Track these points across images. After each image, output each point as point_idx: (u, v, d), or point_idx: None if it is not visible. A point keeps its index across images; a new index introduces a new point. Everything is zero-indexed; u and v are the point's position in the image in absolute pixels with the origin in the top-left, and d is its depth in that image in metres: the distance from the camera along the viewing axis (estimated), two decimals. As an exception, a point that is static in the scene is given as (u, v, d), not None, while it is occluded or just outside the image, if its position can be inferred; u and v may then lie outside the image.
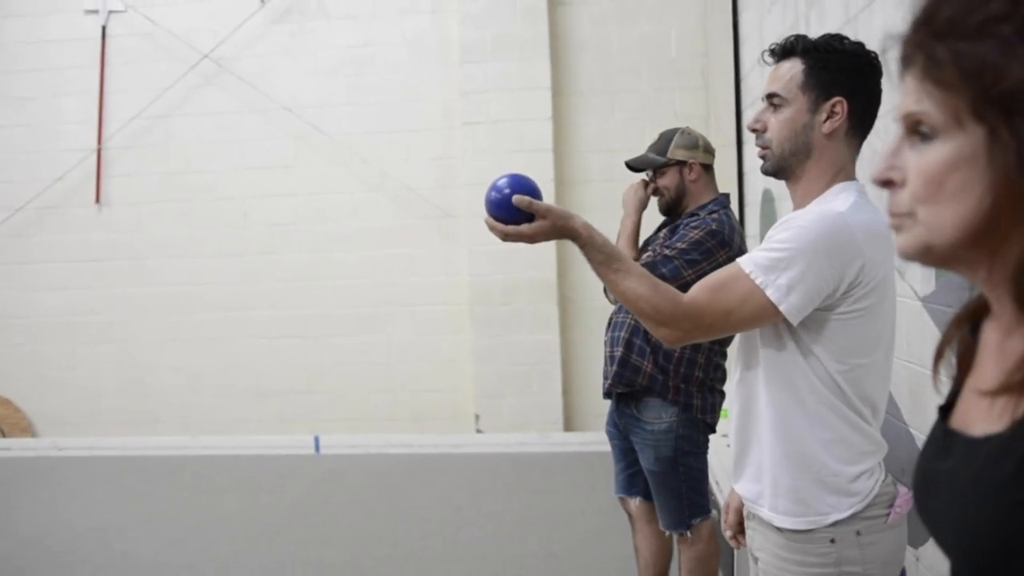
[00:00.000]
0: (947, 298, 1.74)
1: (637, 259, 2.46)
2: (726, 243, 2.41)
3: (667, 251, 2.40)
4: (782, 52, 1.51)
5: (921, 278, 1.89)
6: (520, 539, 3.82)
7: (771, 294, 1.36)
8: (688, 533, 2.52)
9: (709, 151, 2.63)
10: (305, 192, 5.64)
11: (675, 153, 2.57)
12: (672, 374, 2.48)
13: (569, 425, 5.48)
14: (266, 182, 5.65)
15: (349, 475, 5.03)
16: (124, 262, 5.80)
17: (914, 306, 1.92)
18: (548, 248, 5.31)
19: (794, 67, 1.48)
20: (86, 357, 5.84)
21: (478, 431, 5.48)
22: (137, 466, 5.31)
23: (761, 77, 3.94)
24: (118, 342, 5.83)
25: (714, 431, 2.58)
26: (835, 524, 1.41)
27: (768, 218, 3.87)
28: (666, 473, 2.48)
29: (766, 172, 1.52)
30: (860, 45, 1.48)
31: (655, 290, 1.42)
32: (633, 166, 2.64)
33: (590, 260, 1.46)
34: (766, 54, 1.53)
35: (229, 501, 4.59)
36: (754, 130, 1.52)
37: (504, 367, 5.36)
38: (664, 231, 2.60)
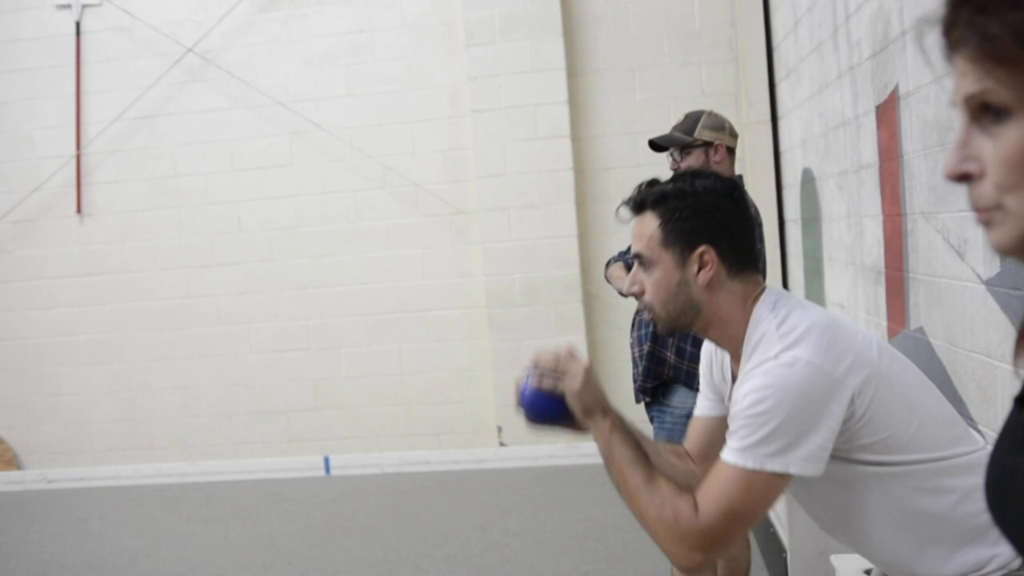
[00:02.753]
0: (1014, 280, 1.74)
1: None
2: None
3: None
4: (635, 206, 1.56)
5: (983, 260, 1.88)
6: (551, 558, 3.83)
7: (771, 467, 1.39)
8: None
9: (734, 135, 2.82)
10: (304, 192, 5.67)
11: (702, 134, 2.71)
12: (695, 361, 2.57)
13: (600, 435, 5.46)
14: (261, 183, 5.69)
15: (363, 497, 5.06)
16: (111, 276, 5.84)
17: (977, 290, 1.92)
18: (570, 243, 5.34)
19: (650, 223, 1.53)
20: (74, 380, 5.89)
21: (501, 444, 5.49)
22: (134, 496, 5.36)
23: (796, 46, 3.94)
24: (108, 363, 5.87)
25: None
26: None
27: (809, 199, 3.85)
28: None
29: (664, 334, 1.63)
30: (713, 179, 1.54)
31: (666, 507, 1.44)
32: (658, 143, 2.78)
33: (611, 453, 1.52)
34: (622, 209, 1.58)
35: (235, 529, 4.63)
36: (632, 294, 1.58)
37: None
38: None
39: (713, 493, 1.42)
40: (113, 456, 5.85)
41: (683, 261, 1.52)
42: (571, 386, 1.56)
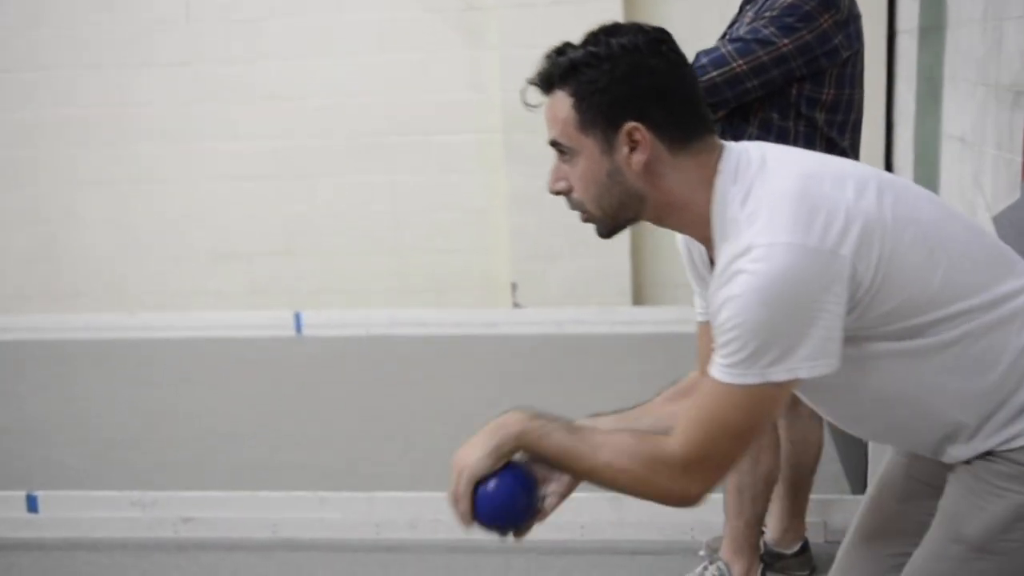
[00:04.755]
0: None
1: None
2: (831, 3, 2.52)
3: (755, 23, 2.55)
4: (544, 84, 1.54)
5: None
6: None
7: (776, 376, 1.41)
8: None
9: None
10: None
11: None
12: None
13: (639, 298, 5.51)
14: (216, -44, 5.56)
15: (342, 362, 5.13)
16: (22, 75, 5.76)
17: None
18: None
19: (563, 104, 1.51)
20: None
21: (516, 305, 5.54)
22: (55, 352, 5.44)
23: None
24: (20, 187, 5.88)
25: None
26: None
27: (933, 1, 3.66)
28: None
29: (605, 236, 1.61)
30: (632, 33, 1.50)
31: (635, 456, 1.50)
32: None
33: (551, 456, 1.55)
34: (529, 89, 1.56)
35: (185, 395, 4.73)
36: (558, 192, 1.57)
37: (552, 219, 5.23)
38: (747, 8, 2.70)
39: (704, 416, 1.46)
40: (28, 304, 5.92)
41: (609, 145, 1.50)
42: (470, 460, 1.55)
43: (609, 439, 1.53)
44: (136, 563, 3.20)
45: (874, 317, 1.45)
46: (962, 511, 1.55)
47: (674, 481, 1.48)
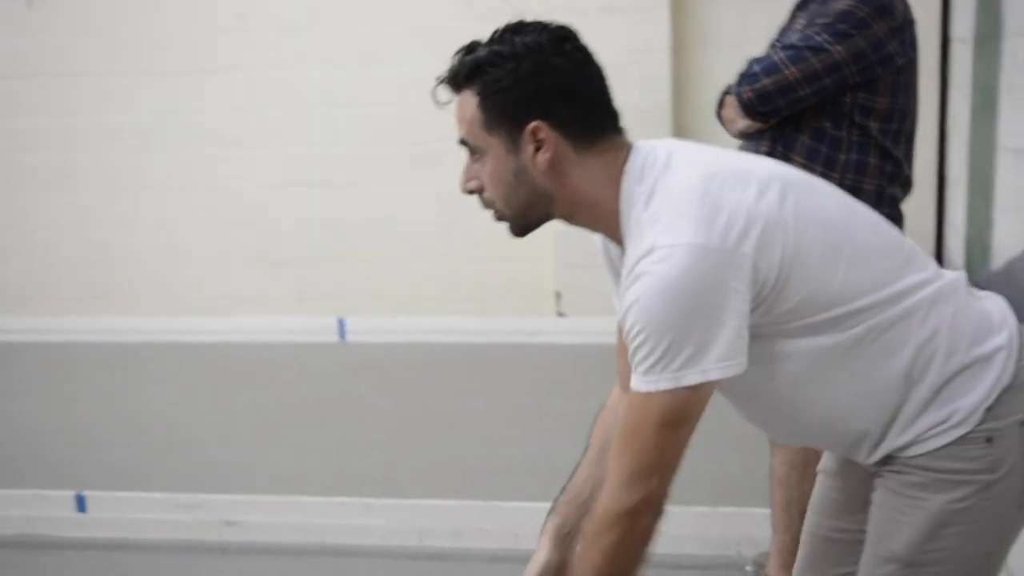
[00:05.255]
0: None
1: None
2: (885, 9, 2.50)
3: (807, 30, 2.55)
4: (452, 83, 1.54)
5: None
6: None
7: (688, 380, 1.42)
8: None
9: None
10: None
11: None
12: None
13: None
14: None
15: (385, 369, 5.13)
16: (73, 79, 5.82)
17: None
18: (660, 65, 5.21)
19: (469, 103, 1.52)
20: (30, 211, 5.98)
21: (560, 314, 5.52)
22: (106, 354, 5.51)
23: None
24: (73, 191, 5.94)
25: None
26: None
27: (989, 7, 3.68)
28: None
29: (517, 235, 1.61)
30: (536, 31, 1.51)
31: (591, 548, 1.54)
32: None
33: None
34: (440, 88, 1.56)
35: (227, 399, 4.77)
36: (471, 192, 1.58)
37: None
38: (799, 14, 2.69)
39: (627, 433, 1.47)
40: (81, 306, 5.97)
41: (514, 144, 1.50)
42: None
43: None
44: (180, 564, 3.24)
45: (779, 314, 1.46)
46: (887, 530, 1.56)
47: (621, 511, 1.48)
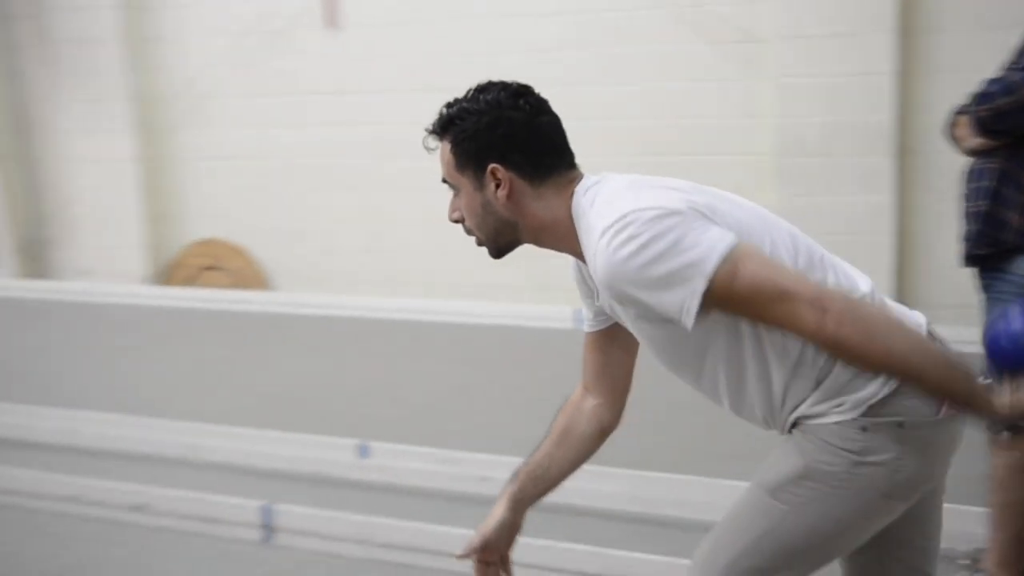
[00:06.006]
0: None
1: None
2: None
3: None
4: (435, 132, 1.75)
5: None
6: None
7: (710, 263, 1.53)
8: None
9: None
10: (566, 11, 5.83)
11: None
12: None
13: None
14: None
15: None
16: (365, 96, 6.29)
17: None
18: (884, 83, 5.23)
19: (446, 149, 1.74)
20: (322, 205, 6.52)
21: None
22: (377, 328, 6.06)
23: None
24: (356, 189, 6.43)
25: None
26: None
27: None
28: None
29: (494, 257, 1.81)
30: (497, 90, 1.71)
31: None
32: None
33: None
34: (428, 137, 1.77)
35: (475, 372, 5.19)
36: (455, 222, 1.79)
37: (818, 237, 5.42)
38: None
39: (771, 319, 1.58)
40: (358, 287, 6.51)
41: (480, 182, 1.73)
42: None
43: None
44: (443, 510, 3.51)
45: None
46: (770, 464, 1.74)
47: (823, 324, 1.55)
